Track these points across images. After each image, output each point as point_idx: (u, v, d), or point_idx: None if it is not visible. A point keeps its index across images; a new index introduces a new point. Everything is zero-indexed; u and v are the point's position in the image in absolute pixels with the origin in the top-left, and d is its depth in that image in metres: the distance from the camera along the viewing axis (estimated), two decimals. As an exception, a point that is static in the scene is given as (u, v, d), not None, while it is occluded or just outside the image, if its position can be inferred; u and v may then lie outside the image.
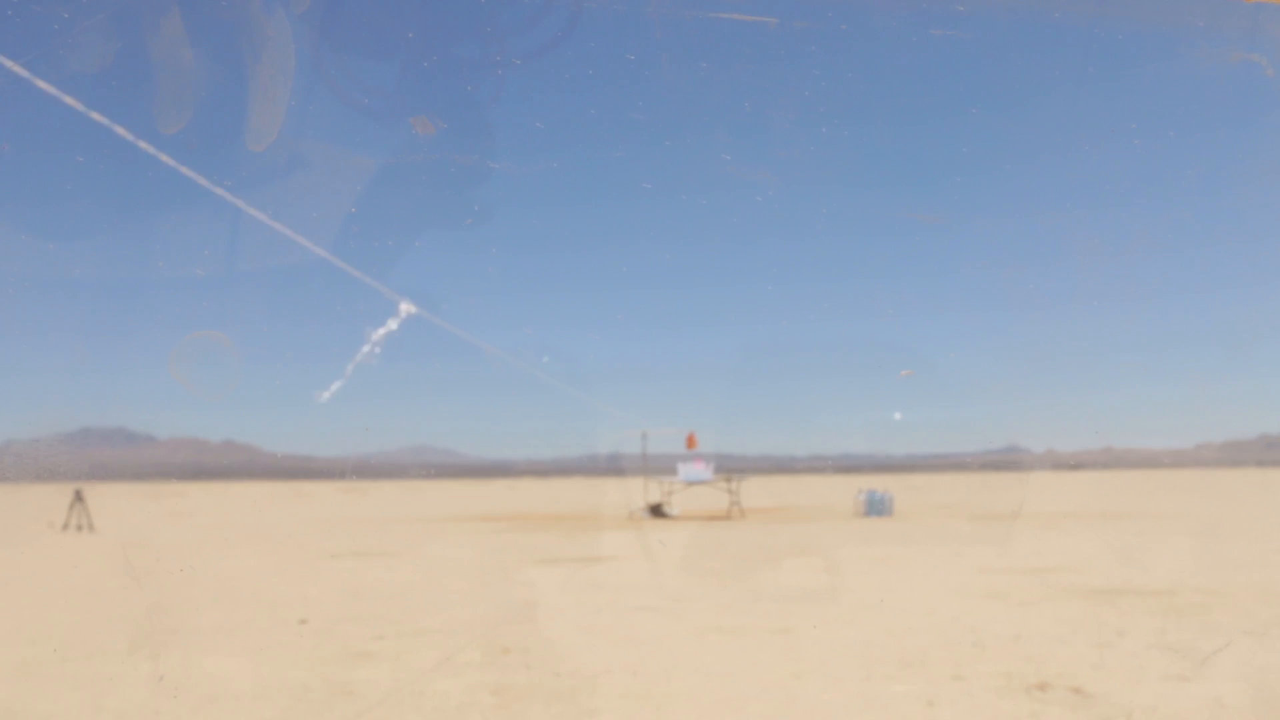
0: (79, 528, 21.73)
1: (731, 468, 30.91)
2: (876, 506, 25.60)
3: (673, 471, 26.31)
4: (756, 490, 35.31)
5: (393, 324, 4.03)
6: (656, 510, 25.02)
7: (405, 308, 4.08)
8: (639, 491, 26.98)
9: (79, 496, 22.59)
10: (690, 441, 25.68)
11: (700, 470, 26.02)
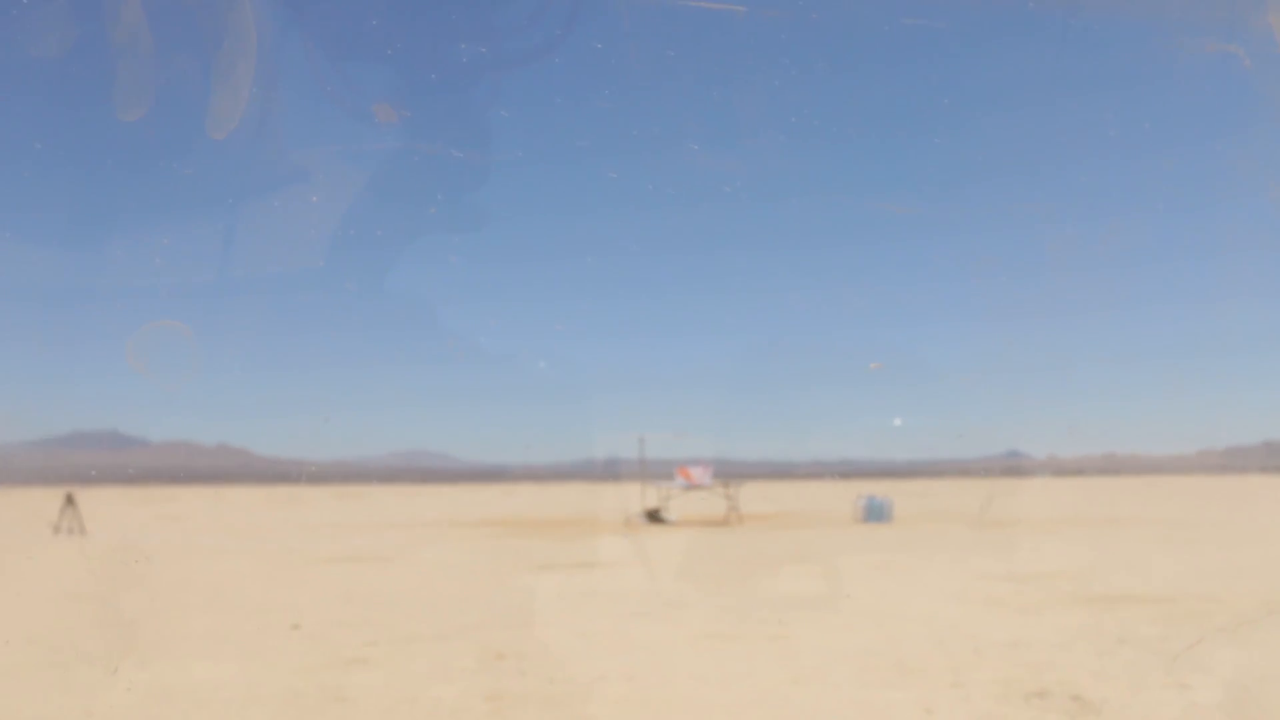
0: (70, 531, 21.67)
1: (730, 473, 30.88)
2: (875, 512, 25.57)
3: (670, 477, 26.28)
4: (755, 496, 35.27)
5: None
6: (654, 516, 24.96)
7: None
8: (636, 497, 26.95)
9: (70, 500, 22.54)
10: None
11: (699, 475, 26.00)
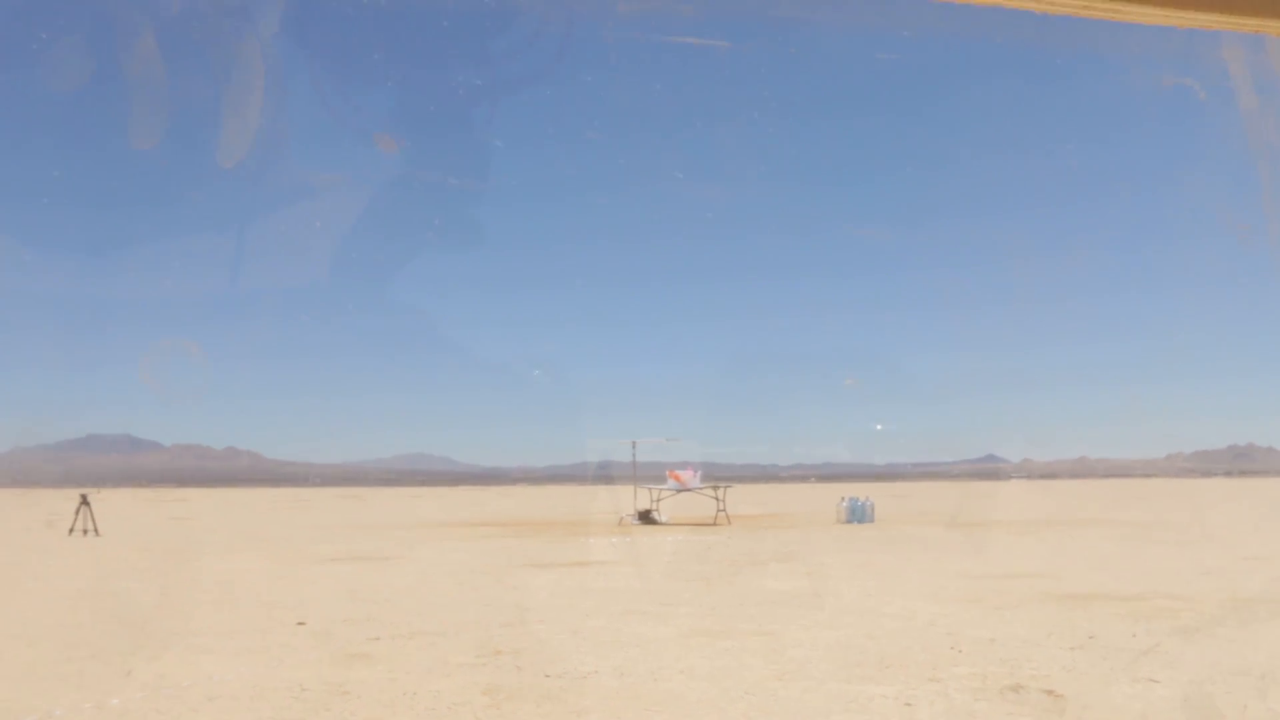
0: (84, 531, 21.90)
1: (718, 476, 31.16)
2: (858, 513, 25.88)
3: (661, 479, 26.55)
4: (742, 498, 35.45)
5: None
6: (645, 517, 25.22)
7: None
8: (629, 498, 27.17)
9: (85, 501, 22.76)
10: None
11: (689, 478, 26.27)
